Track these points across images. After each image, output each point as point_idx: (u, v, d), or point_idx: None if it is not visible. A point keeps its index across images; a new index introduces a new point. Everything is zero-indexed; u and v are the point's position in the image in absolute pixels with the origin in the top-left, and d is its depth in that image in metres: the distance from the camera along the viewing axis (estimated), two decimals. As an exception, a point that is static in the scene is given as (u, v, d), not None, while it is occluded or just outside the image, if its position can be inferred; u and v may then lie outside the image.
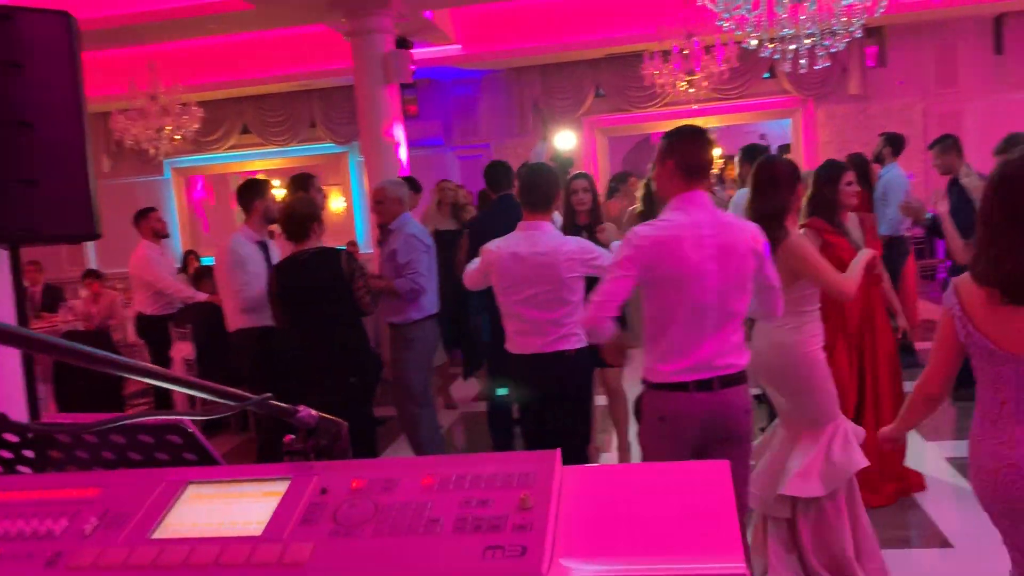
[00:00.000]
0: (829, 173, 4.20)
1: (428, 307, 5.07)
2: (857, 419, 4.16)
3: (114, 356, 0.97)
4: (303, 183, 5.53)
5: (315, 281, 4.43)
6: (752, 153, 5.36)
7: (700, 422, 2.91)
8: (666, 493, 1.06)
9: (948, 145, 6.25)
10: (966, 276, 2.31)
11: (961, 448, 5.10)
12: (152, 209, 7.15)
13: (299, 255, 4.48)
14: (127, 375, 1.03)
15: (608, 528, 1.01)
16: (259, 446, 5.22)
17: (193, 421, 1.42)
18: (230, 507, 1.11)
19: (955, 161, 6.13)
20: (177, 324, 6.93)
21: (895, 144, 6.95)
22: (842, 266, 3.73)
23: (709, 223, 2.86)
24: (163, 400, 6.96)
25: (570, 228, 4.72)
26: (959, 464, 4.90)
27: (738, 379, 2.93)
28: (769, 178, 3.37)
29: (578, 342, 3.81)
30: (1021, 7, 10.63)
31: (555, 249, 3.68)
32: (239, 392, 1.13)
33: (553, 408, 3.81)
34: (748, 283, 2.90)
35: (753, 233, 2.92)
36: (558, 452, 1.13)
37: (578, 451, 3.98)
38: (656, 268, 2.86)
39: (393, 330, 5.12)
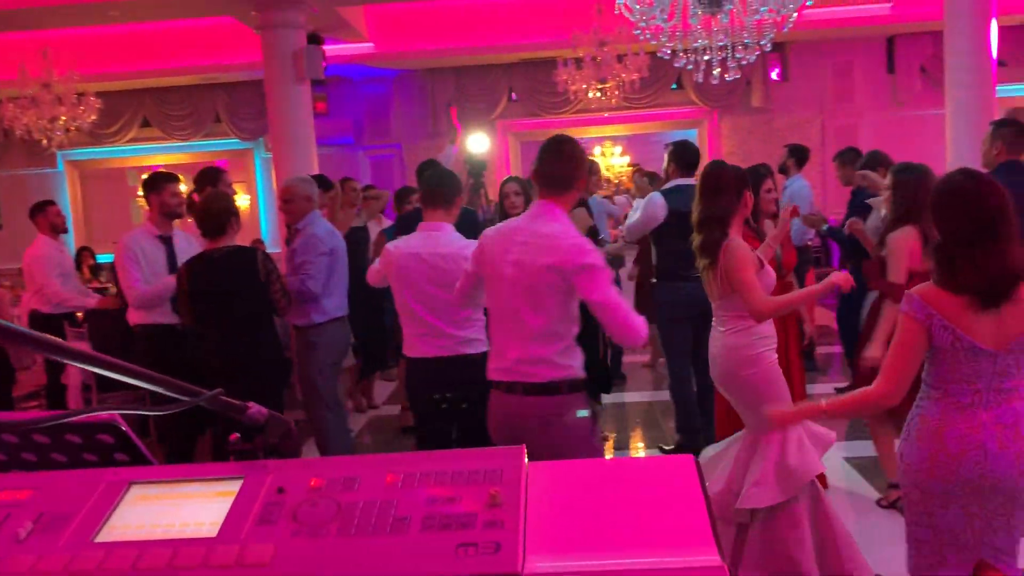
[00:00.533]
0: (751, 180, 4.29)
1: (331, 310, 4.95)
2: None
3: (65, 343, 0.91)
4: (212, 178, 5.35)
5: (229, 280, 4.28)
6: (681, 150, 5.32)
7: (505, 422, 3.00)
8: (633, 487, 1.06)
9: (846, 159, 6.54)
10: (929, 287, 2.44)
11: (857, 448, 5.34)
12: (50, 202, 6.78)
13: (212, 253, 4.32)
14: (75, 362, 0.97)
15: (578, 524, 1.00)
16: (167, 452, 5.01)
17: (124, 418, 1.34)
18: (179, 508, 1.06)
19: (851, 173, 6.41)
20: (72, 323, 6.60)
21: (799, 156, 7.20)
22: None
23: (527, 232, 2.91)
24: (56, 402, 6.61)
25: None
26: (856, 464, 5.12)
27: (543, 389, 2.90)
28: (715, 184, 3.42)
29: (482, 346, 3.77)
30: (911, 30, 11.21)
31: (455, 252, 3.63)
32: (190, 387, 1.07)
33: (455, 414, 3.75)
34: (543, 299, 2.87)
35: (570, 251, 2.85)
36: (523, 448, 1.12)
37: None
38: (478, 266, 3.09)
39: (297, 332, 4.99)
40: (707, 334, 3.66)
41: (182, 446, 4.86)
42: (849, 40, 11.60)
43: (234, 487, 1.07)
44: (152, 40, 10.62)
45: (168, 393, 1.08)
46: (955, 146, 7.79)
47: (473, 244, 3.79)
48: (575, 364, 2.95)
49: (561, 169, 2.94)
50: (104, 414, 1.32)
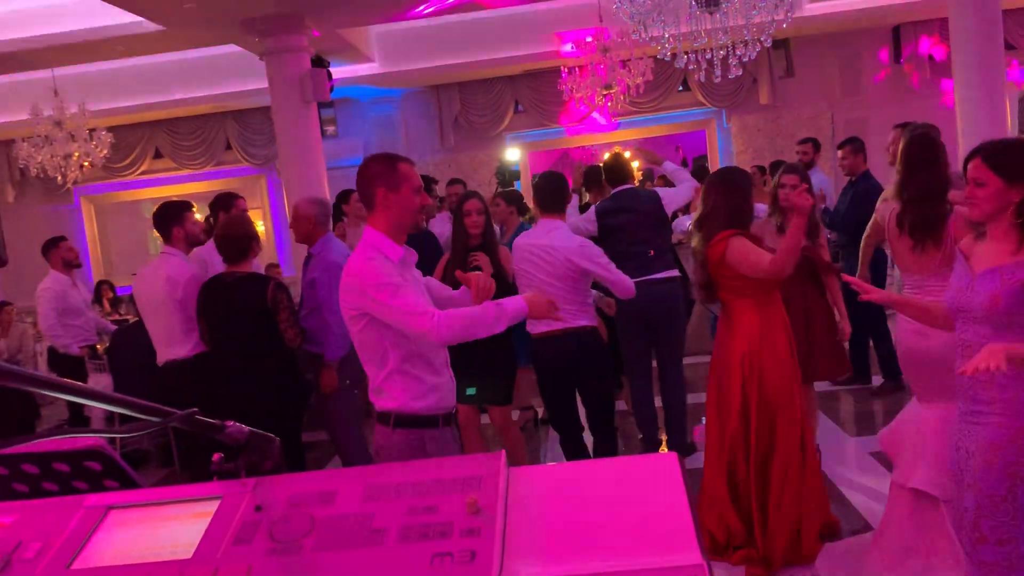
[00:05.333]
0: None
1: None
2: None
3: (26, 371, 0.90)
4: (225, 203, 5.35)
5: (236, 306, 4.30)
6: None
7: None
8: (615, 489, 1.04)
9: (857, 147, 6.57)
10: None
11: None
12: (62, 238, 6.85)
13: (225, 277, 4.36)
14: (42, 391, 0.96)
15: (559, 528, 0.98)
16: (189, 469, 5.03)
17: (112, 447, 1.34)
18: (156, 531, 1.05)
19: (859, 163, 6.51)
20: (92, 355, 6.66)
21: (819, 149, 7.33)
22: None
23: None
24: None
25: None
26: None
27: None
28: (932, 155, 3.44)
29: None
30: (915, 18, 11.12)
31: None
32: (163, 408, 1.06)
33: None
34: None
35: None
36: (503, 454, 1.10)
37: None
38: None
39: (314, 358, 4.75)
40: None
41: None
42: (854, 32, 11.51)
43: (212, 507, 1.07)
44: (159, 72, 10.74)
45: (142, 416, 1.07)
46: (966, 136, 7.70)
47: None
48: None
49: None
50: (90, 440, 1.32)
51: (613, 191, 5.45)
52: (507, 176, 9.34)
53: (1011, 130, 10.08)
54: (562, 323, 4.00)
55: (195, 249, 5.10)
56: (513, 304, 2.70)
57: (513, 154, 12.22)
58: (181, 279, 4.72)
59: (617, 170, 5.48)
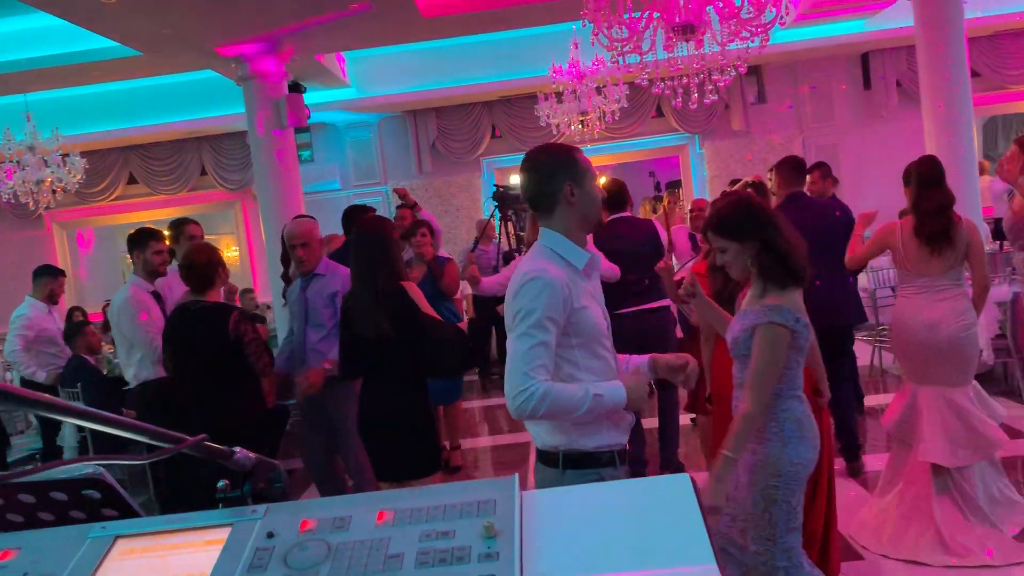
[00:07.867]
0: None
1: None
2: None
3: (50, 398, 0.89)
4: (177, 230, 5.27)
5: (195, 338, 4.17)
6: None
7: None
8: (628, 509, 1.04)
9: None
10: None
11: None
12: (61, 272, 6.88)
13: (189, 305, 4.23)
14: (61, 417, 0.95)
15: (574, 548, 0.98)
16: (161, 500, 4.94)
17: (110, 473, 1.32)
18: (167, 560, 1.03)
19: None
20: (65, 384, 6.55)
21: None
22: None
23: None
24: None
25: None
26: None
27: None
28: (940, 174, 4.09)
29: None
30: (885, 46, 11.36)
31: None
32: (175, 434, 1.05)
33: None
34: None
35: None
36: (516, 477, 1.10)
37: None
38: None
39: (332, 383, 4.44)
40: None
41: (183, 495, 4.72)
42: (824, 59, 11.74)
43: (223, 534, 1.05)
44: (134, 97, 10.68)
45: (152, 442, 1.06)
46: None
47: None
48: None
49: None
50: (89, 469, 1.30)
51: (611, 217, 5.25)
52: (507, 199, 9.12)
53: (978, 154, 10.30)
54: None
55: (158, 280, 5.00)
56: (613, 395, 2.23)
57: (515, 179, 12.24)
58: (115, 306, 4.79)
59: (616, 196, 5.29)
